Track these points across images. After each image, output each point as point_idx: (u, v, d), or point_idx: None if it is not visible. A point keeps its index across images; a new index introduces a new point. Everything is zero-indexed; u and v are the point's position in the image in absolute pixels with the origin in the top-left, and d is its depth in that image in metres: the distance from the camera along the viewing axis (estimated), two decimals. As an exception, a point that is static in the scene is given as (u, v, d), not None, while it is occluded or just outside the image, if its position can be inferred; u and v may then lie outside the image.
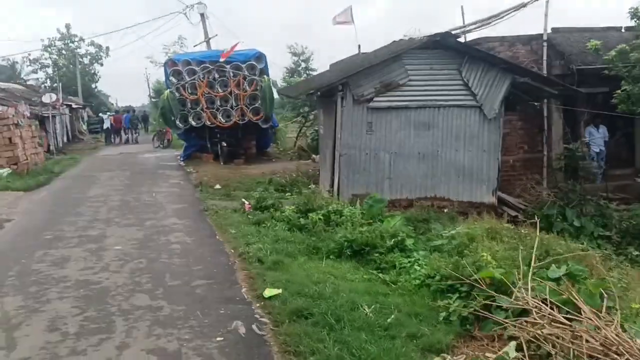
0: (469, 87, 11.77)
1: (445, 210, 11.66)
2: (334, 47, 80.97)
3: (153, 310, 5.86)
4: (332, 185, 11.99)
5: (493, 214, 12.07)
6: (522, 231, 7.86)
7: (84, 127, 39.42)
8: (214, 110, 20.09)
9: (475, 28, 14.41)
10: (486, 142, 12.04)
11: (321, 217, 9.43)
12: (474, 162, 12.03)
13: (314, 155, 20.90)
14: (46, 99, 32.63)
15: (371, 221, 8.88)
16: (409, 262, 7.45)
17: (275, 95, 19.59)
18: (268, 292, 6.08)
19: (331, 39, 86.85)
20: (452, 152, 11.97)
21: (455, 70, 11.75)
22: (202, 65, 20.08)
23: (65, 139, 34.33)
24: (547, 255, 6.95)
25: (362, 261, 7.76)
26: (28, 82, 55.99)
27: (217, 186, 15.48)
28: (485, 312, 5.41)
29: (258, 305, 5.92)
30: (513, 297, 5.29)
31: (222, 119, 20.13)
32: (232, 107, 20.09)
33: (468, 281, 5.66)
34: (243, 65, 19.98)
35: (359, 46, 19.19)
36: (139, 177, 17.15)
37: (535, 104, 14.03)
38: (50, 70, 58.32)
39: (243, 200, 11.53)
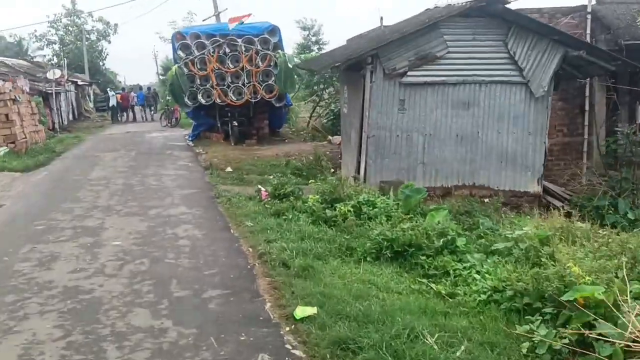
0: (515, 61, 10.31)
1: (486, 201, 10.29)
2: (347, 24, 78.85)
3: (155, 335, 4.57)
4: (357, 171, 10.63)
5: (548, 208, 10.77)
6: (601, 232, 6.48)
7: (91, 104, 38.09)
8: (225, 88, 18.66)
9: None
10: (532, 124, 10.61)
11: (350, 209, 8.11)
12: (518, 146, 10.62)
13: (329, 137, 19.52)
14: (51, 75, 31.35)
15: (410, 215, 7.52)
16: (464, 268, 6.13)
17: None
18: (300, 312, 4.76)
19: (344, 15, 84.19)
20: (494, 135, 10.56)
21: (500, 42, 10.27)
22: (212, 39, 18.59)
23: (70, 117, 33.03)
24: (636, 263, 5.63)
25: (405, 265, 6.45)
26: (35, 59, 54.70)
27: (229, 169, 14.18)
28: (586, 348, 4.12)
29: (288, 329, 4.60)
30: (630, 329, 3.97)
31: (233, 96, 18.70)
32: (243, 84, 18.64)
33: (565, 304, 4.34)
34: (256, 39, 18.47)
35: (381, 18, 17.64)
36: (144, 158, 15.85)
37: (583, 81, 12.56)
38: (57, 47, 56.95)
39: (259, 186, 10.20)
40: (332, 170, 14.28)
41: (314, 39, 28.14)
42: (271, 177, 13.55)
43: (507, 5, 10.00)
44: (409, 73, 10.20)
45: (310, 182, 12.77)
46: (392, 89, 10.26)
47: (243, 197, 10.02)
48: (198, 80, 18.68)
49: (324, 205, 8.56)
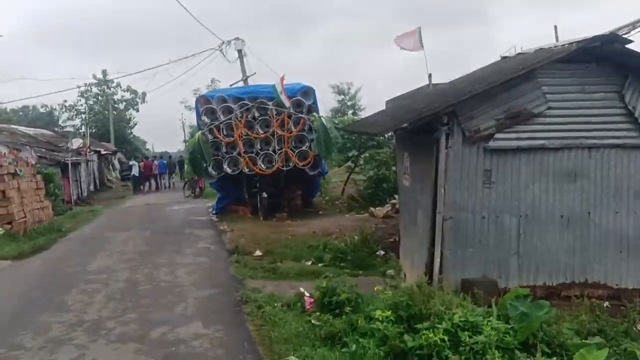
0: (635, 119, 7.69)
1: (607, 305, 7.41)
2: (377, 87, 77.43)
3: None
4: (430, 265, 7.87)
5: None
6: None
7: (114, 174, 36.36)
8: (253, 155, 16.35)
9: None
10: (660, 200, 7.85)
11: (443, 337, 5.34)
12: (643, 230, 7.82)
13: (372, 209, 16.86)
14: (72, 144, 29.91)
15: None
16: None
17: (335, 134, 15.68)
18: None
19: (373, 77, 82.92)
20: (610, 215, 7.78)
21: (613, 93, 7.69)
22: (239, 103, 16.48)
23: (92, 187, 31.22)
24: None
25: None
26: (65, 129, 54.21)
27: (258, 252, 11.60)
28: None
29: None
30: None
31: (263, 165, 16.36)
32: (274, 151, 16.32)
33: None
34: (288, 102, 16.30)
35: (430, 75, 15.37)
36: (160, 240, 13.33)
37: None
38: (85, 117, 56.70)
39: (302, 291, 7.47)
40: (382, 252, 11.59)
41: (349, 103, 26.01)
42: (309, 263, 10.96)
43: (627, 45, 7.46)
44: (496, 136, 7.61)
45: (361, 272, 10.14)
46: (475, 157, 7.65)
47: (279, 302, 7.34)
48: (224, 148, 16.45)
49: (398, 324, 5.82)
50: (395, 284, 6.44)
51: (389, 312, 5.90)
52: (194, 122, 32.87)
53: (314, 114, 16.19)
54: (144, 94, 55.30)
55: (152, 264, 10.33)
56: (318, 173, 17.36)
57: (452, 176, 7.64)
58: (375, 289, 6.36)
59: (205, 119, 16.64)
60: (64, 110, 58.02)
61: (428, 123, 7.71)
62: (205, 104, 16.76)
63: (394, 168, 19.54)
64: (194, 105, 21.90)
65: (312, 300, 6.97)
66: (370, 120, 12.08)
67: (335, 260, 11.02)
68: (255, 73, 26.53)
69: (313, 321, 6.41)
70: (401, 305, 5.98)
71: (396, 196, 17.75)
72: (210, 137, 16.36)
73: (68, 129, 55.02)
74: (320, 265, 10.85)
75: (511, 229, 7.72)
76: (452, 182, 7.65)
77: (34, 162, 16.44)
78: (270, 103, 16.27)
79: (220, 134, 16.35)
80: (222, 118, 16.43)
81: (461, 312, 5.72)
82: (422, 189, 8.36)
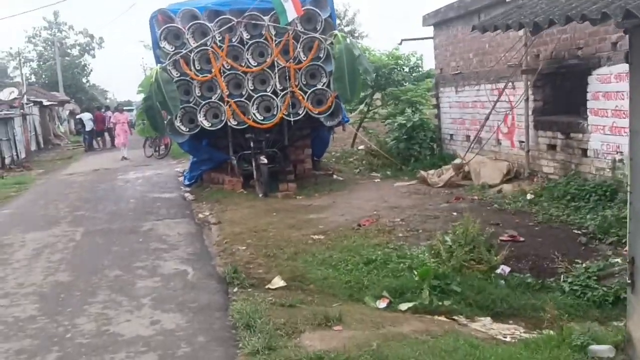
0: None
1: None
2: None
3: None
4: None
5: None
6: None
7: (61, 128, 29.57)
8: (243, 100, 10.37)
9: None
10: None
11: None
12: None
13: (423, 172, 11.15)
14: (5, 95, 23.28)
15: None
16: None
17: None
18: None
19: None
20: None
21: None
22: (218, 19, 10.29)
23: (34, 146, 24.67)
24: None
25: None
26: (15, 79, 46.78)
27: (278, 281, 5.90)
28: None
29: None
30: None
31: (258, 114, 10.41)
32: (275, 93, 10.38)
33: None
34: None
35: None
36: (96, 251, 7.43)
37: None
38: (35, 65, 48.85)
39: None
40: (509, 269, 6.07)
41: (347, 28, 19.92)
42: (383, 305, 5.41)
43: None
44: None
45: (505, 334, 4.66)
46: None
47: None
48: (197, 90, 10.36)
49: None
50: None
51: None
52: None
53: (334, 32, 10.18)
54: (101, 38, 48.14)
55: (59, 345, 4.52)
56: (337, 123, 11.50)
57: None
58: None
59: (165, 46, 10.42)
60: (9, 58, 50.12)
61: None
62: (166, 23, 10.48)
63: (436, 111, 13.91)
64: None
65: None
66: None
67: (432, 295, 5.49)
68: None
69: None
70: None
71: (461, 154, 12.08)
72: (174, 73, 10.24)
73: (17, 79, 47.58)
74: (405, 308, 5.32)
75: None
76: None
77: None
78: (265, 18, 10.15)
79: (190, 69, 10.24)
80: (193, 44, 10.26)
81: None
82: None
